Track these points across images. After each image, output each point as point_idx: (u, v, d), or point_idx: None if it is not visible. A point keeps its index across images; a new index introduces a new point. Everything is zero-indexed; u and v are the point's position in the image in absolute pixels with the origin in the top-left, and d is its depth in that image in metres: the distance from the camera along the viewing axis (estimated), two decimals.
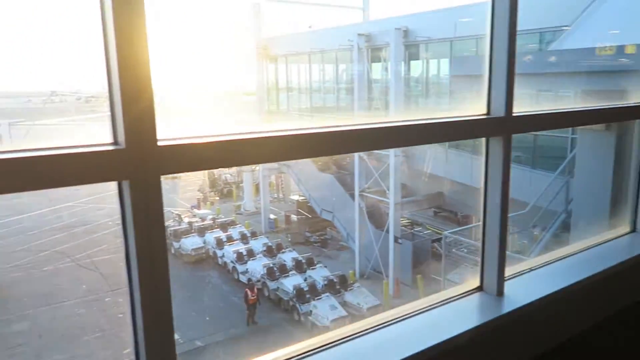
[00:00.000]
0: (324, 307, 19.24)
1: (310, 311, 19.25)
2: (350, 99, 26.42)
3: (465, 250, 17.13)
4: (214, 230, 26.43)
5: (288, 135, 1.83)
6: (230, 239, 25.30)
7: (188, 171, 1.63)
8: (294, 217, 30.21)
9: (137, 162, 1.53)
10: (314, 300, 19.67)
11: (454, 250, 16.99)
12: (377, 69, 25.50)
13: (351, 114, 25.02)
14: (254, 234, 26.44)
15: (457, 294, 2.69)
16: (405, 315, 2.46)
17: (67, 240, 25.34)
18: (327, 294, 20.15)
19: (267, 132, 1.85)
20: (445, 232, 17.87)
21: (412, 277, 22.29)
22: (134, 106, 1.51)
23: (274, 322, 20.01)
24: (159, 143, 1.59)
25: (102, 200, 28.24)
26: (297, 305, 19.73)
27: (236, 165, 1.81)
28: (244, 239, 25.54)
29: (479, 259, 2.79)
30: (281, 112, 30.86)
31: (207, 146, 1.68)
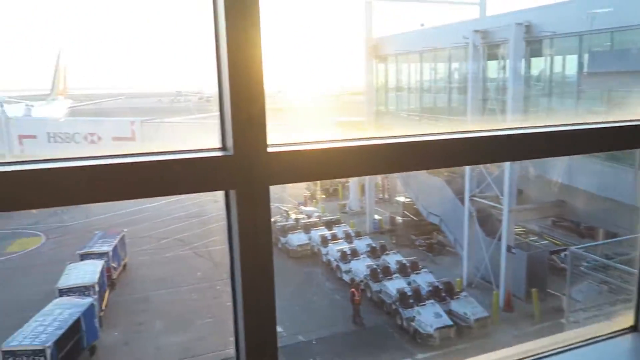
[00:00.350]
0: (428, 314, 18.58)
1: (414, 317, 18.70)
2: (462, 99, 25.28)
3: (589, 266, 15.55)
4: (319, 227, 26.87)
5: (413, 142, 1.59)
6: (334, 238, 25.55)
7: (300, 182, 1.47)
8: (399, 219, 29.71)
9: (246, 171, 1.41)
10: (417, 305, 19.09)
11: (580, 267, 15.47)
12: (493, 67, 24.13)
13: (464, 115, 23.94)
14: (358, 234, 26.44)
15: (605, 332, 2.24)
16: (545, 352, 2.08)
17: (186, 230, 27.39)
18: (432, 300, 19.45)
19: (385, 138, 1.63)
20: (573, 248, 16.27)
21: (525, 290, 20.77)
22: (243, 109, 1.38)
23: (376, 324, 19.80)
24: (269, 149, 1.45)
25: (217, 193, 30.09)
26: (400, 310, 19.29)
27: (354, 176, 1.61)
28: (348, 238, 25.64)
29: (629, 287, 2.31)
30: (390, 112, 30.45)
31: (320, 153, 1.51)
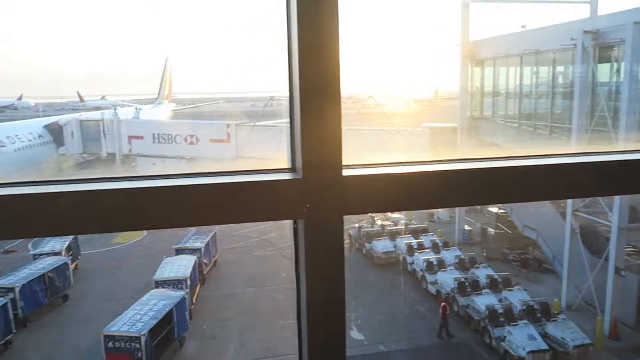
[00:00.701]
0: (520, 335, 17.32)
1: (504, 337, 17.53)
2: (567, 105, 23.41)
3: None
4: (406, 235, 26.25)
5: (519, 166, 1.29)
6: (421, 247, 24.82)
7: (379, 212, 1.25)
8: (490, 231, 28.27)
9: (316, 198, 1.21)
10: (508, 325, 17.87)
11: None
12: (604, 71, 22.07)
13: (568, 122, 22.15)
14: (446, 244, 25.49)
15: None
16: None
17: (274, 230, 28.00)
18: (525, 320, 18.11)
19: (482, 160, 1.36)
20: None
21: (635, 317, 18.74)
22: (316, 125, 1.18)
23: (462, 340, 18.89)
24: (345, 172, 1.24)
25: None
26: (489, 328, 18.19)
27: (446, 207, 1.36)
28: (435, 248, 24.80)
29: None
30: (485, 118, 29.04)
31: (404, 178, 1.27)
